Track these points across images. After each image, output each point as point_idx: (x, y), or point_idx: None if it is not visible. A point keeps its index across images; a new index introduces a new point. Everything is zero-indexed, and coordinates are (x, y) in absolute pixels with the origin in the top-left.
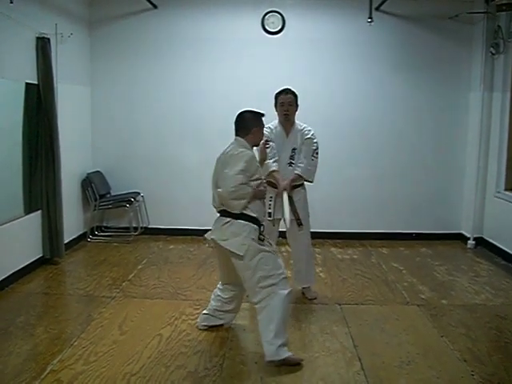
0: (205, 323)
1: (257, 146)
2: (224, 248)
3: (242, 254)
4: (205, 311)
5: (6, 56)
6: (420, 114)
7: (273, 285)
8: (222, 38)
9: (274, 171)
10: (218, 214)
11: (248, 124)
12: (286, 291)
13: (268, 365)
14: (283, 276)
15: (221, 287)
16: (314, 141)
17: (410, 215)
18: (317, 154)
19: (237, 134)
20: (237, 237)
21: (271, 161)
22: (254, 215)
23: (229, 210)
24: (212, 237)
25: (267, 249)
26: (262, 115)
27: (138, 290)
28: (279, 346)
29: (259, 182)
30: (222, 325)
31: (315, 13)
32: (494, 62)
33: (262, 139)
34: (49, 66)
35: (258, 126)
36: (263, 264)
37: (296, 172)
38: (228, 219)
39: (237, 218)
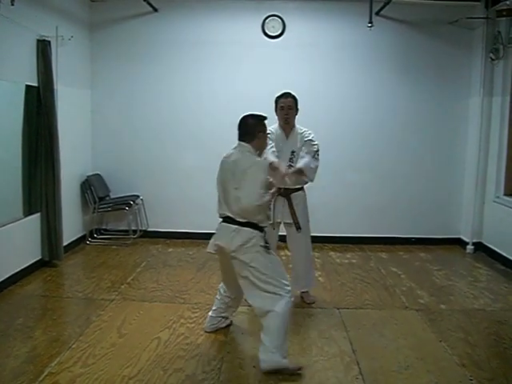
0: (210, 323)
1: (261, 151)
2: (231, 256)
3: (248, 261)
4: (210, 313)
5: (7, 58)
6: (419, 118)
7: (277, 293)
8: (222, 41)
9: (273, 162)
10: (221, 220)
11: (253, 129)
12: (289, 300)
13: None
14: (288, 287)
15: (223, 289)
16: (314, 143)
17: (409, 220)
18: (318, 155)
19: (241, 139)
20: (246, 244)
21: (269, 152)
22: (260, 223)
23: (236, 218)
24: (218, 243)
25: (274, 256)
26: (265, 118)
27: (137, 292)
28: (281, 354)
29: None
30: (228, 325)
31: (315, 17)
32: (494, 67)
33: (266, 144)
34: (49, 68)
35: (263, 131)
36: (271, 271)
37: (298, 166)
38: (235, 227)
39: (244, 226)
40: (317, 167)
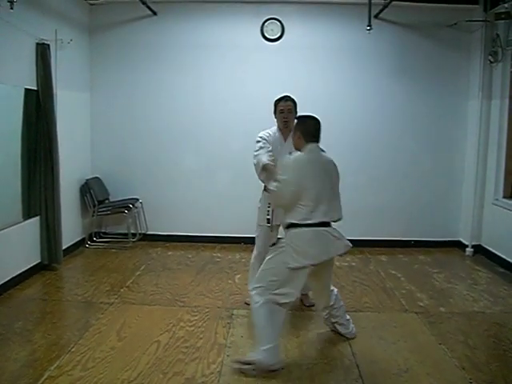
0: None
1: None
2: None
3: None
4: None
5: (6, 61)
6: (418, 121)
7: None
8: (221, 44)
9: (267, 164)
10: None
11: (320, 131)
12: None
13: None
14: None
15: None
16: None
17: (408, 222)
18: None
19: (315, 140)
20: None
21: (264, 154)
22: None
23: (328, 220)
24: (338, 252)
25: None
26: None
27: (136, 296)
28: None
29: None
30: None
31: (314, 20)
32: (493, 70)
33: None
34: (48, 72)
35: None
36: None
37: None
38: (329, 227)
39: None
40: None
